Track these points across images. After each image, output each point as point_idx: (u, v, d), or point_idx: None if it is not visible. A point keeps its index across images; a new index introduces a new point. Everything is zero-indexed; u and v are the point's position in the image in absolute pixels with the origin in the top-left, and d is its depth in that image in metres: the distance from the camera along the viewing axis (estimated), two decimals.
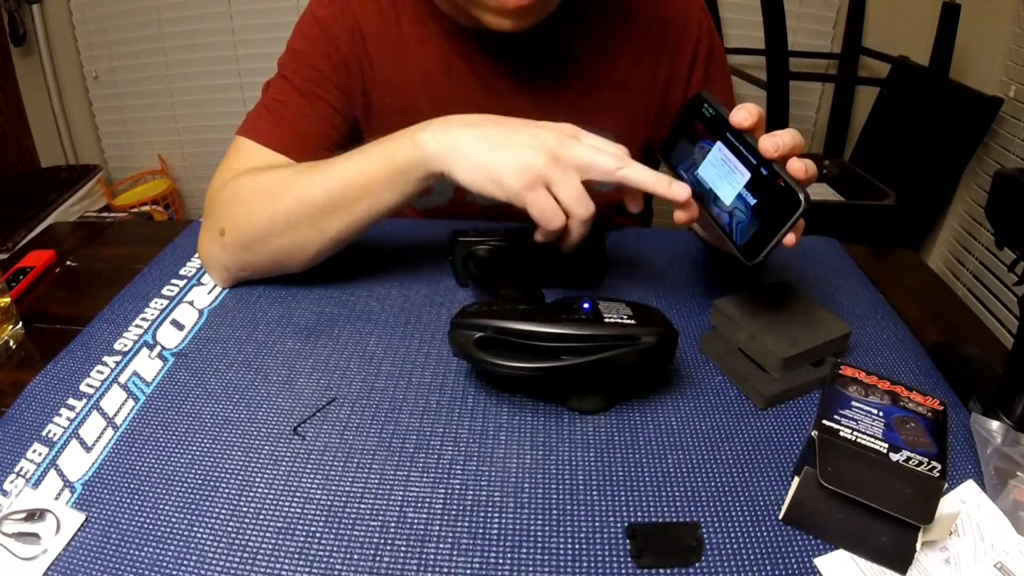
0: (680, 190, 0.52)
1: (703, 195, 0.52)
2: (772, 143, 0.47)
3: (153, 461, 0.46)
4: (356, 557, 0.40)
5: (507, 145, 0.52)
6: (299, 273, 0.64)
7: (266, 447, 0.47)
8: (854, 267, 0.73)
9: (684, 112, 0.54)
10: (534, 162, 0.51)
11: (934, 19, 1.57)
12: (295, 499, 0.44)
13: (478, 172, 0.53)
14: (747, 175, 0.48)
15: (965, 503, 0.44)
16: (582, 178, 0.52)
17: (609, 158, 0.52)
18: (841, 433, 0.41)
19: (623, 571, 0.40)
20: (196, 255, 0.70)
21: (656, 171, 0.53)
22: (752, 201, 0.48)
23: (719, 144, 0.51)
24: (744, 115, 0.49)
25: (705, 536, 0.42)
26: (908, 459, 0.39)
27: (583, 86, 0.74)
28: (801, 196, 0.44)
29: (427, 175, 0.55)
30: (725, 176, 0.50)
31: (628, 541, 0.41)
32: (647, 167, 0.52)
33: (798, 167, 0.47)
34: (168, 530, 0.41)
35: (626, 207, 0.57)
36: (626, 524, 0.42)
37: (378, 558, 0.40)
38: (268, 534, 0.41)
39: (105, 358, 0.56)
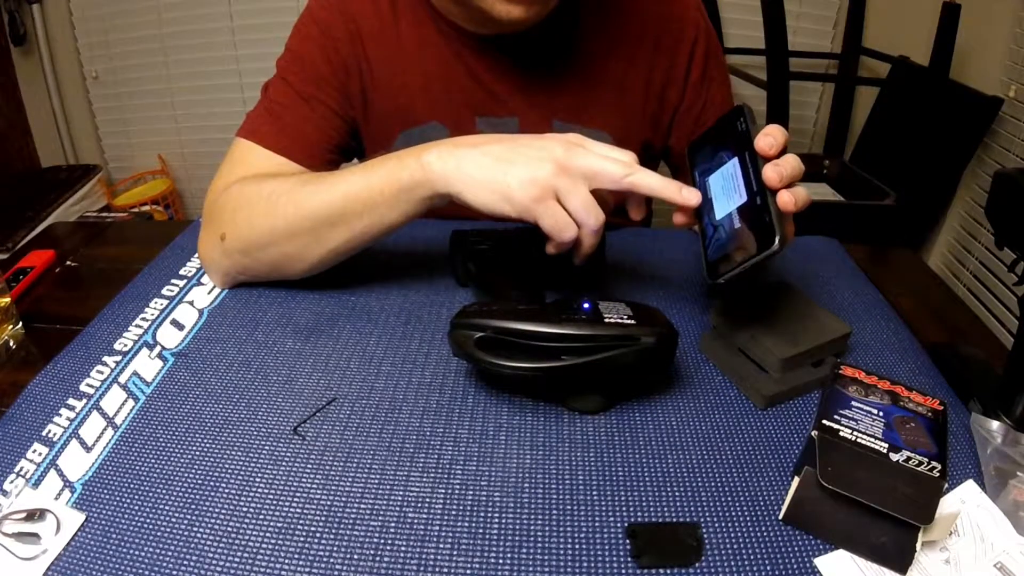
0: (691, 195, 0.51)
1: (703, 201, 0.52)
2: (777, 172, 0.46)
3: (153, 461, 0.46)
4: (356, 557, 0.40)
5: (513, 160, 0.51)
6: None
7: (266, 447, 0.47)
8: (854, 267, 0.73)
9: (723, 118, 0.54)
10: (541, 174, 0.50)
11: (934, 19, 1.56)
12: (295, 499, 0.44)
13: (486, 190, 0.52)
14: (743, 199, 0.48)
15: (965, 503, 0.44)
16: (591, 187, 0.51)
17: (617, 165, 0.51)
18: (841, 433, 0.41)
19: (623, 571, 0.40)
20: (196, 255, 0.70)
21: (659, 175, 0.52)
22: (737, 225, 0.48)
23: (735, 160, 0.50)
24: (770, 142, 0.48)
25: (705, 536, 0.42)
26: (908, 459, 0.39)
27: (580, 87, 0.74)
28: (777, 239, 0.44)
29: (432, 195, 0.55)
30: (727, 192, 0.50)
31: (628, 541, 0.41)
32: (655, 172, 0.52)
33: (787, 200, 0.46)
34: (168, 530, 0.41)
35: (628, 213, 0.56)
36: (626, 524, 0.42)
37: (378, 558, 0.40)
38: (268, 534, 0.41)
39: (105, 358, 0.56)
